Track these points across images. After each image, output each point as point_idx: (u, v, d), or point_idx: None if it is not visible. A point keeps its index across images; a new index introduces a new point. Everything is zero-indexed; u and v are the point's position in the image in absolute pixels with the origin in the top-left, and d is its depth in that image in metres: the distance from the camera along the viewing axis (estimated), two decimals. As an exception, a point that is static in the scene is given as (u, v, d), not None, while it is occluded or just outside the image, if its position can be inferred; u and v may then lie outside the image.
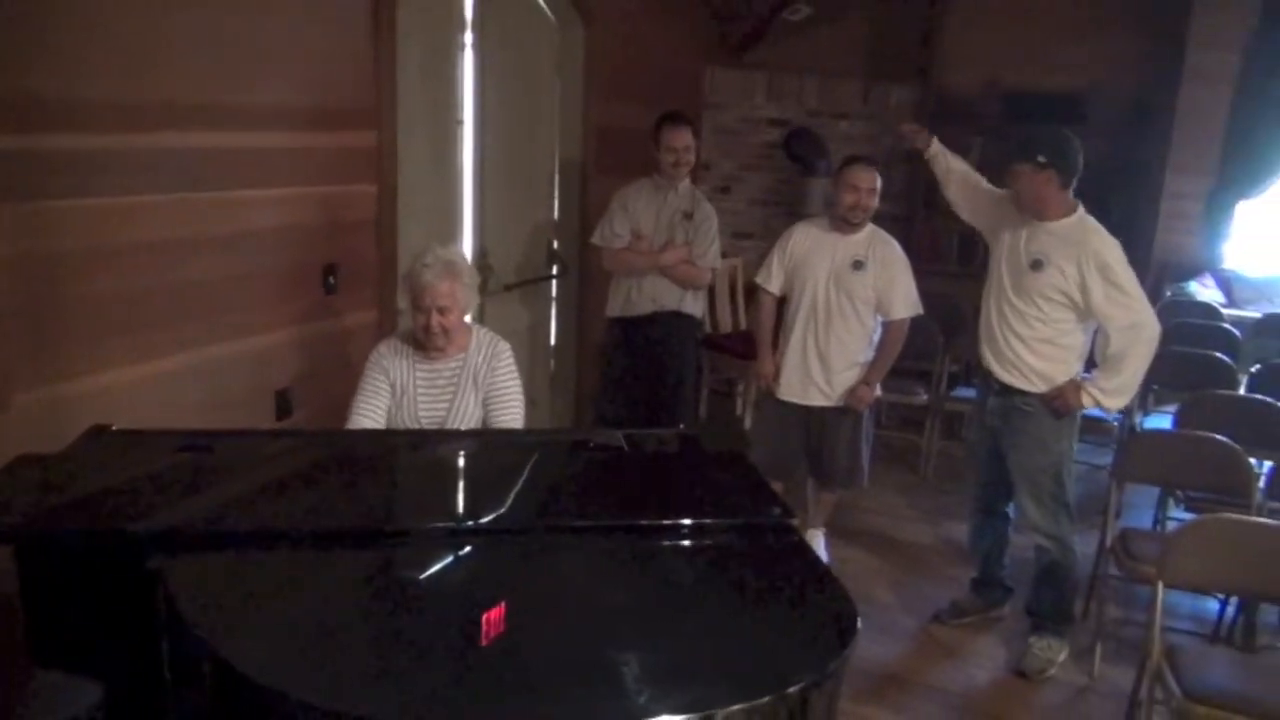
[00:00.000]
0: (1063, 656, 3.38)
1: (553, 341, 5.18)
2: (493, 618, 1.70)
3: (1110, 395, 3.15)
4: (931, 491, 4.94)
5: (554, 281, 5.10)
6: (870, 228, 3.71)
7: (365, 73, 3.50)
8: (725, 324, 5.81)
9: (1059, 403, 3.19)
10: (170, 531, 1.87)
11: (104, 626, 1.85)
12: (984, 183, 3.56)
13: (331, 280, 3.49)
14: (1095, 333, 3.24)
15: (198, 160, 2.93)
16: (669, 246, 4.16)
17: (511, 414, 2.86)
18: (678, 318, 4.28)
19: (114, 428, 2.40)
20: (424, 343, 2.80)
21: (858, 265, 3.64)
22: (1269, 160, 6.02)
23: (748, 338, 5.69)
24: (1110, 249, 3.10)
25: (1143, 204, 6.07)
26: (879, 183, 3.66)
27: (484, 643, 1.63)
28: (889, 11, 6.30)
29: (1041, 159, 3.11)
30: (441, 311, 2.72)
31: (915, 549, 4.29)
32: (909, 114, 6.36)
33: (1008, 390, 3.29)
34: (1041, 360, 3.22)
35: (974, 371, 5.35)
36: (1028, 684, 3.28)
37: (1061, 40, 6.07)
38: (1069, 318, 3.18)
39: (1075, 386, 3.18)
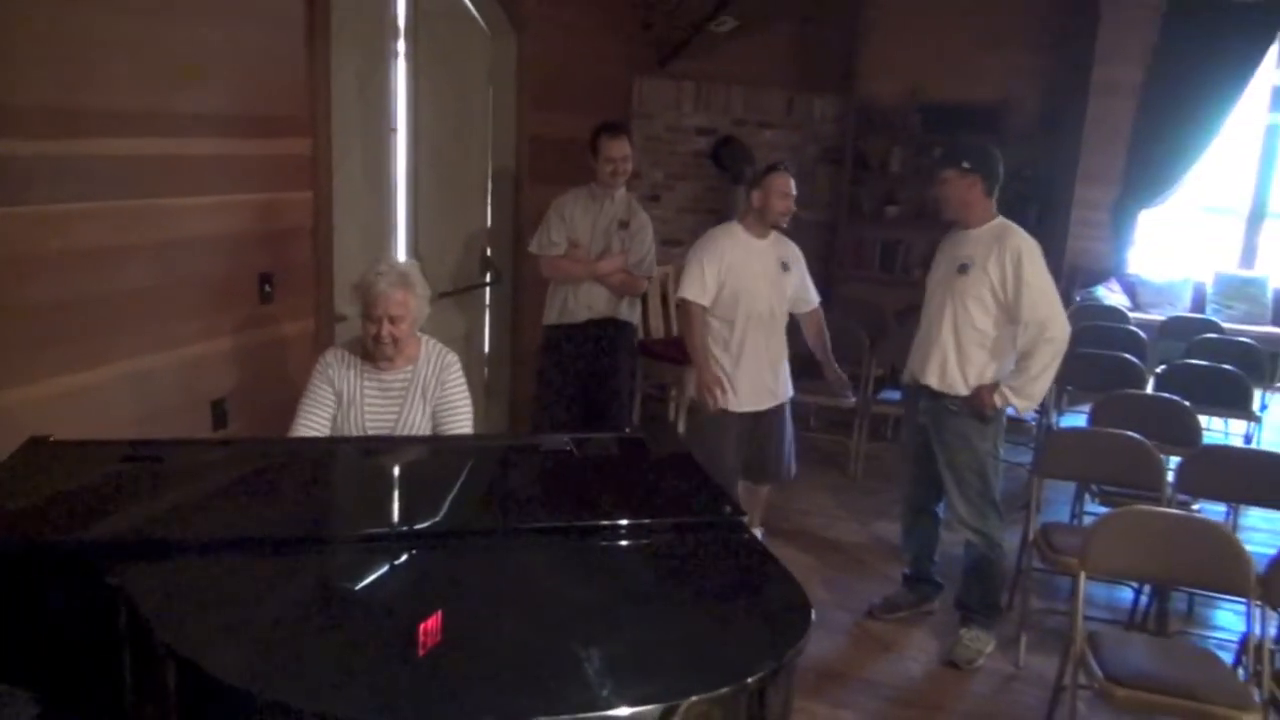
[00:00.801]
0: (990, 648, 3.52)
1: (486, 349, 5.20)
2: (453, 618, 1.74)
3: (1019, 395, 3.29)
4: (861, 492, 5.08)
5: (487, 289, 5.11)
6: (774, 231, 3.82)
7: (300, 80, 3.48)
8: (657, 330, 5.88)
9: (976, 403, 3.35)
10: (127, 541, 1.86)
11: (59, 637, 1.83)
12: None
13: (267, 288, 3.46)
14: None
15: (131, 167, 2.89)
16: (606, 255, 4.22)
17: (462, 424, 2.89)
18: (614, 325, 4.34)
19: (52, 439, 2.35)
20: (373, 352, 2.80)
21: (785, 267, 3.79)
22: (1169, 170, 6.36)
23: (679, 343, 5.76)
24: (1028, 248, 3.27)
25: (1053, 212, 6.34)
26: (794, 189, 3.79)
27: (447, 642, 1.66)
28: (813, 24, 6.47)
29: (966, 165, 3.31)
30: (393, 321, 2.73)
31: (847, 547, 4.41)
32: (832, 123, 6.56)
33: (934, 393, 3.43)
34: (967, 363, 3.36)
35: (899, 375, 5.55)
36: (959, 674, 3.41)
37: (979, 54, 6.31)
38: (993, 318, 3.33)
39: (991, 388, 3.32)
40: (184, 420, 3.17)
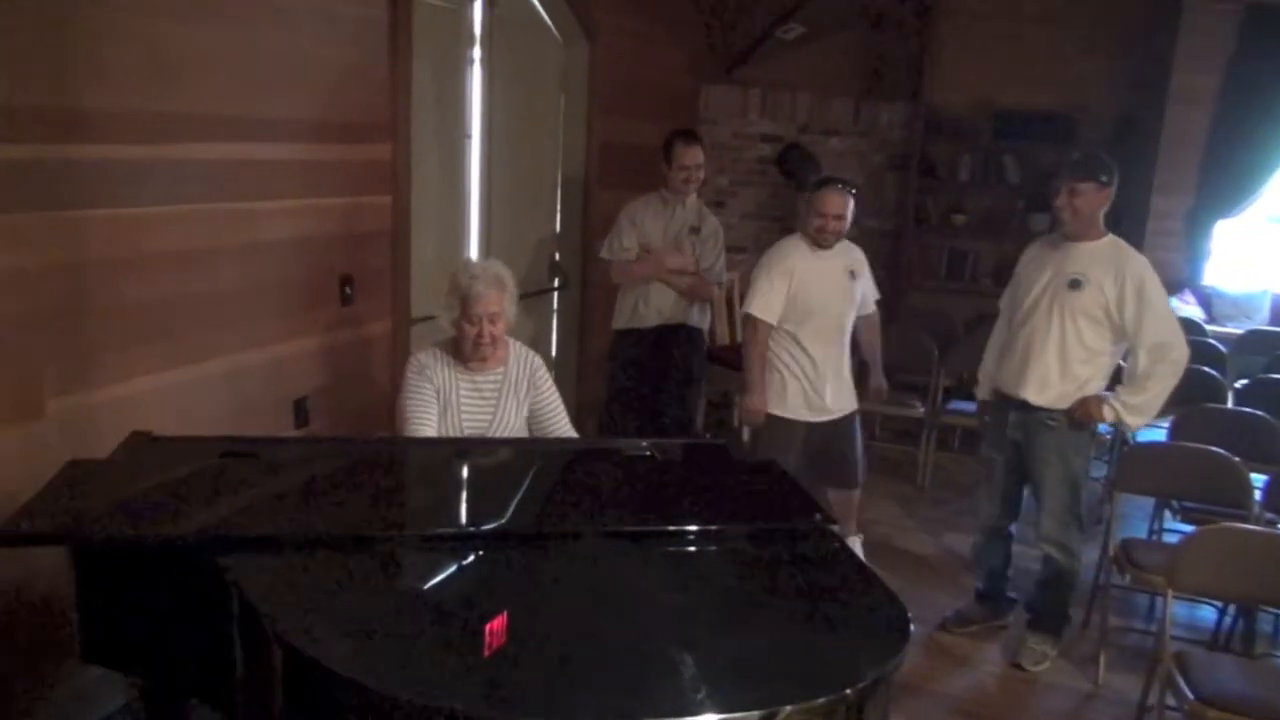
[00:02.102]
0: (1055, 653, 3.48)
1: (554, 354, 5.22)
2: (548, 618, 1.75)
3: (1132, 411, 3.22)
4: (929, 502, 5.01)
5: (555, 294, 5.14)
6: (844, 241, 3.77)
7: (382, 87, 3.54)
8: (723, 336, 5.87)
9: (1081, 413, 3.26)
10: (235, 534, 1.91)
11: (171, 624, 1.88)
12: (1003, 325, 3.60)
13: (348, 290, 3.52)
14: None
15: (221, 172, 2.96)
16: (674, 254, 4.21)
17: (565, 425, 2.96)
18: (683, 330, 4.33)
19: (153, 434, 2.41)
20: (471, 353, 2.82)
21: (852, 275, 3.76)
22: (1247, 180, 6.19)
23: (745, 350, 5.75)
24: (1147, 269, 3.19)
25: (1127, 222, 6.19)
26: (850, 207, 3.67)
27: (544, 641, 1.68)
28: (881, 31, 6.41)
29: (1104, 178, 3.21)
30: (492, 320, 2.77)
31: (916, 558, 4.36)
32: (899, 131, 6.50)
33: (1031, 407, 3.34)
34: (1070, 378, 3.28)
35: (968, 385, 5.47)
36: (1033, 689, 3.35)
37: (1051, 61, 6.20)
38: (1105, 335, 3.25)
39: (1098, 399, 3.25)
40: (267, 418, 3.23)
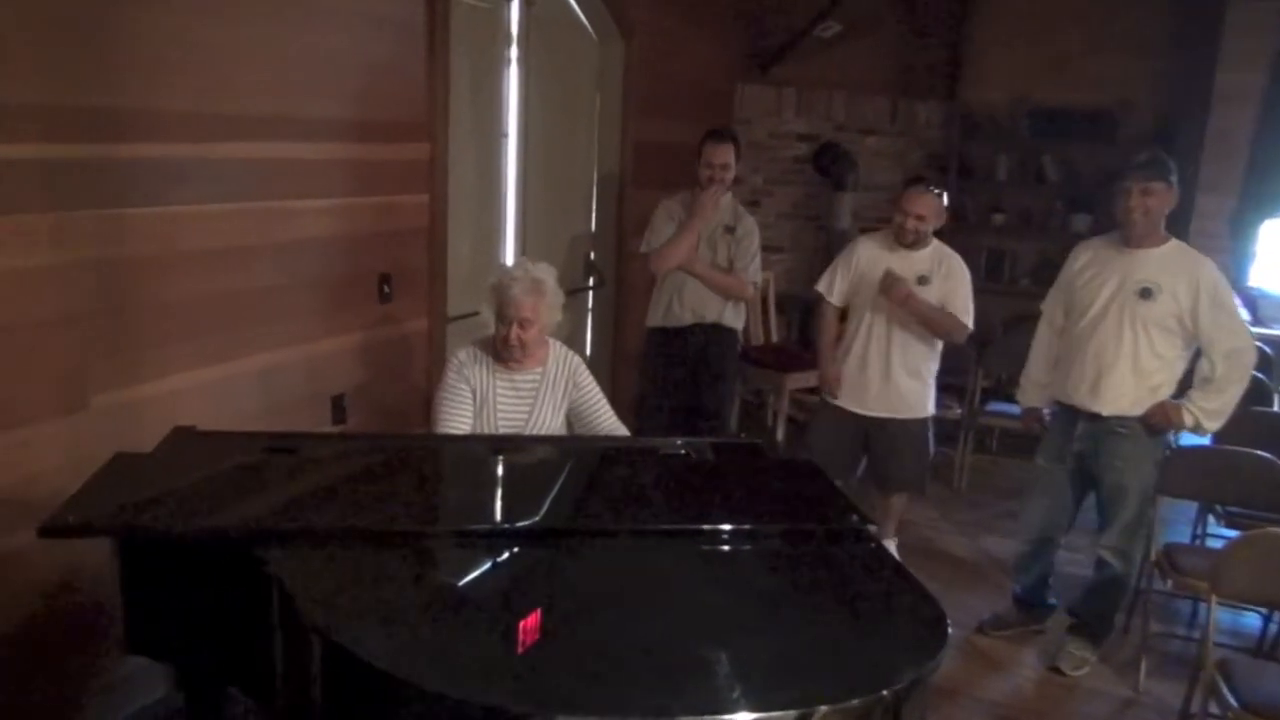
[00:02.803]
0: (1094, 658, 3.44)
1: (588, 352, 5.23)
2: (585, 615, 1.76)
3: (1210, 416, 3.17)
4: (966, 505, 4.96)
5: (590, 293, 5.15)
6: (935, 243, 3.75)
7: (420, 86, 3.56)
8: (758, 336, 5.85)
9: (1159, 419, 3.21)
10: (276, 528, 1.94)
11: (212, 618, 1.90)
12: (1055, 338, 3.53)
13: (386, 288, 3.54)
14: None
15: (261, 171, 2.99)
16: (712, 262, 4.19)
17: (610, 421, 2.97)
18: (718, 330, 4.31)
19: (196, 429, 2.45)
20: (502, 354, 2.84)
21: (922, 280, 3.67)
22: (1294, 180, 6.06)
23: (780, 350, 5.74)
24: (1217, 274, 3.14)
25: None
26: (935, 208, 3.66)
27: (582, 638, 1.68)
28: (918, 28, 6.35)
29: (1172, 179, 3.15)
30: (522, 325, 2.78)
31: (953, 560, 4.32)
32: (937, 130, 6.44)
33: (1101, 417, 3.28)
34: (1142, 387, 3.22)
35: (1006, 387, 5.40)
36: (1072, 694, 3.31)
37: (1091, 58, 6.12)
38: (1177, 343, 3.19)
39: (1176, 406, 3.19)
40: (306, 414, 3.27)
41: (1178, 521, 4.33)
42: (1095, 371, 3.27)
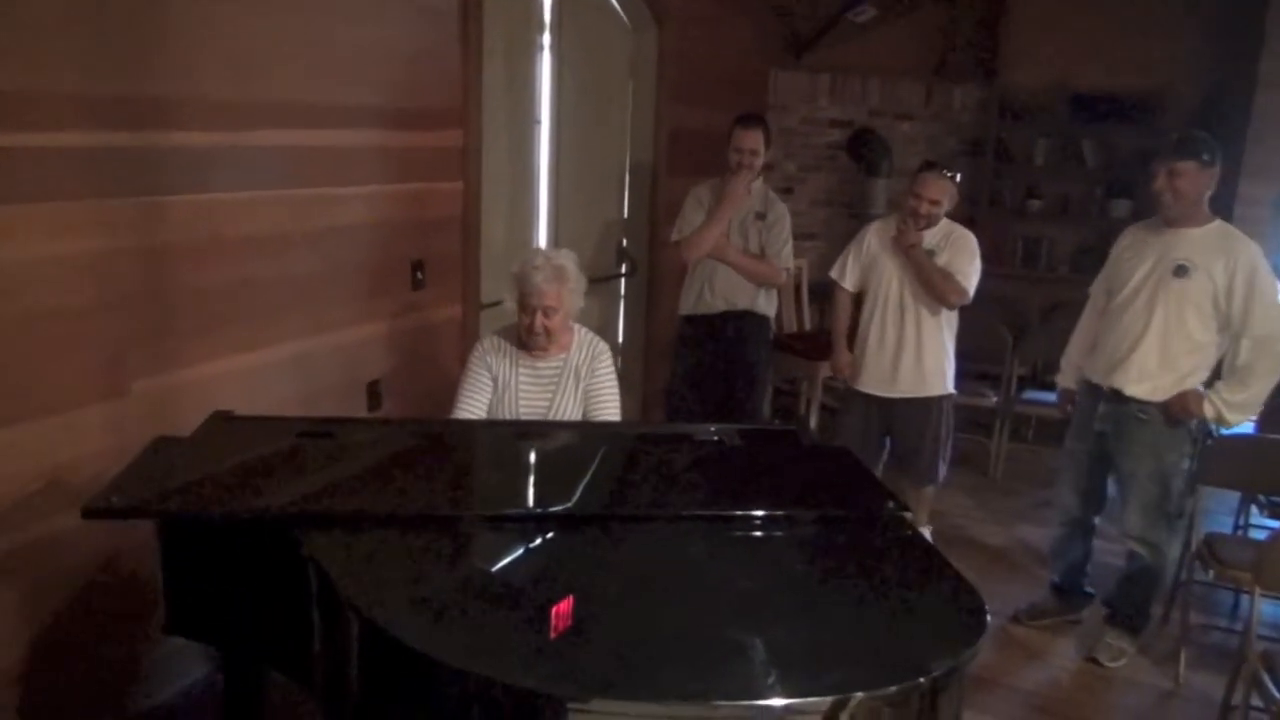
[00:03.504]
0: (1133, 649, 3.40)
1: (620, 339, 5.23)
2: (619, 599, 1.76)
3: (1234, 409, 3.10)
4: (1001, 493, 4.92)
5: (622, 280, 5.14)
6: (945, 222, 3.74)
7: (454, 74, 3.57)
8: (790, 323, 5.82)
9: (1179, 409, 3.14)
10: (314, 511, 1.96)
11: (251, 600, 1.93)
12: (1097, 320, 3.48)
13: (419, 275, 3.56)
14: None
15: (297, 158, 3.01)
16: (744, 248, 4.17)
17: (609, 412, 2.94)
18: (750, 317, 4.29)
19: (234, 414, 2.48)
20: (526, 341, 2.85)
21: (930, 255, 3.68)
22: (1342, 164, 5.92)
23: (812, 338, 5.71)
24: (1259, 256, 3.05)
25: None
26: (948, 192, 3.66)
27: (616, 621, 1.69)
28: (954, 12, 6.27)
29: (1206, 157, 3.07)
30: (546, 313, 2.77)
31: (988, 549, 4.28)
32: (973, 115, 6.36)
33: (1123, 398, 3.24)
34: (1170, 370, 3.16)
35: (1043, 374, 5.34)
36: (1109, 685, 3.27)
37: (1131, 40, 6.00)
38: (1211, 326, 3.12)
39: (1198, 395, 3.12)
40: (342, 400, 3.30)
41: (1219, 511, 4.26)
42: (1123, 348, 3.23)
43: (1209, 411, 3.11)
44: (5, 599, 2.39)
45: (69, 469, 2.45)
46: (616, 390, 2.98)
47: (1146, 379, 3.19)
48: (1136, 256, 3.26)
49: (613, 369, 3.00)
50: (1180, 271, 3.11)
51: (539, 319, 2.78)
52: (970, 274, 3.70)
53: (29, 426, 2.37)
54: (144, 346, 2.63)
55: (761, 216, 4.23)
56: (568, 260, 2.84)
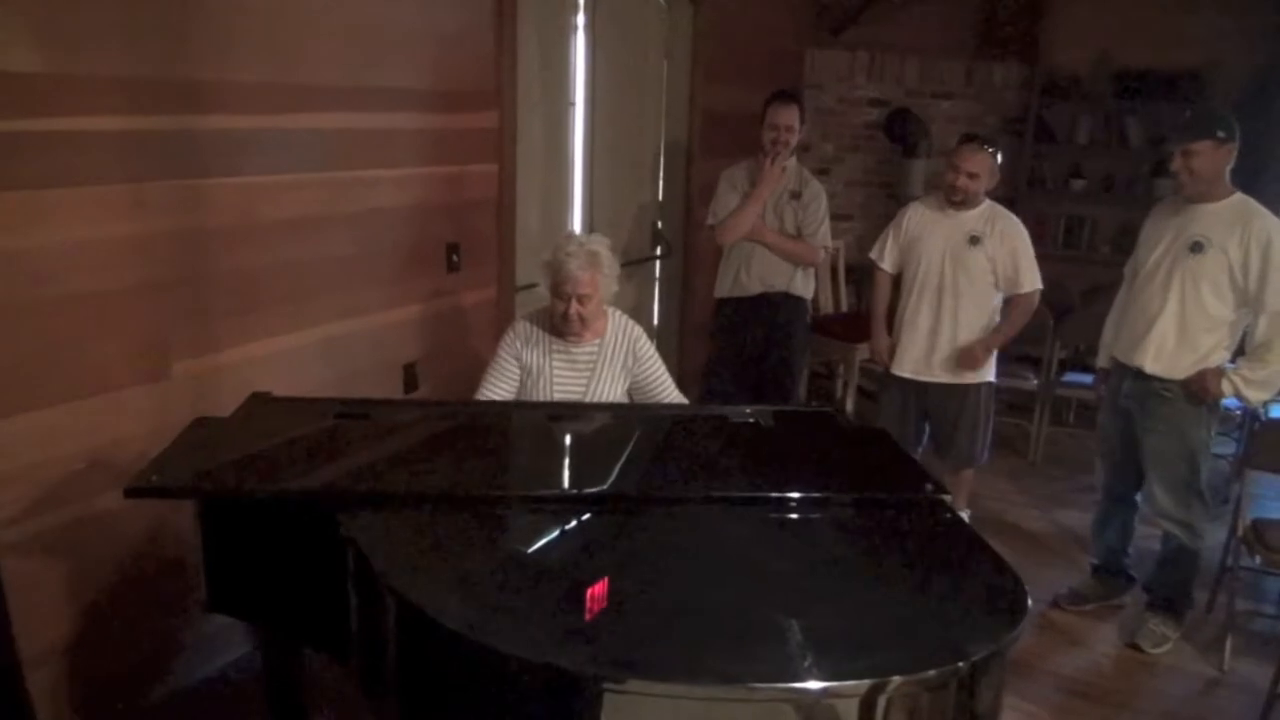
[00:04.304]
0: (1176, 636, 3.34)
1: (655, 322, 5.21)
2: (656, 581, 1.75)
3: (1253, 386, 3.04)
4: (1041, 477, 4.85)
5: (657, 262, 5.12)
6: (987, 203, 3.67)
7: (488, 56, 3.55)
8: (827, 305, 5.76)
9: (1198, 388, 3.10)
10: (351, 491, 1.97)
11: (289, 579, 1.94)
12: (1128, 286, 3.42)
13: (455, 258, 3.56)
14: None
15: (334, 141, 3.02)
16: (780, 229, 4.12)
17: (672, 392, 2.96)
18: (787, 299, 4.25)
19: (272, 395, 2.50)
20: (560, 329, 2.84)
21: (974, 241, 3.61)
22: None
23: (849, 320, 5.66)
24: (1276, 229, 2.98)
25: (1261, 188, 5.82)
26: (988, 167, 3.60)
27: (653, 604, 1.68)
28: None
29: (1222, 134, 3.02)
30: (581, 300, 2.76)
31: (1028, 534, 4.22)
32: (1014, 92, 6.24)
33: (1145, 375, 3.20)
34: (1190, 348, 3.12)
35: (1085, 357, 5.25)
36: (1151, 672, 3.22)
37: (1178, 15, 5.84)
38: (1229, 302, 3.07)
39: (1217, 373, 3.08)
40: (378, 382, 3.31)
41: (1267, 496, 4.17)
42: (1142, 325, 3.21)
43: (1228, 390, 3.07)
44: (52, 576, 2.44)
45: (112, 449, 2.49)
46: (667, 372, 2.99)
47: (1165, 356, 3.15)
48: (1157, 234, 3.24)
49: (656, 353, 3.00)
50: (1196, 247, 3.07)
51: (574, 306, 2.77)
52: (1034, 267, 3.65)
53: (73, 407, 2.40)
54: (184, 329, 2.66)
55: (796, 196, 4.18)
56: (601, 246, 2.82)
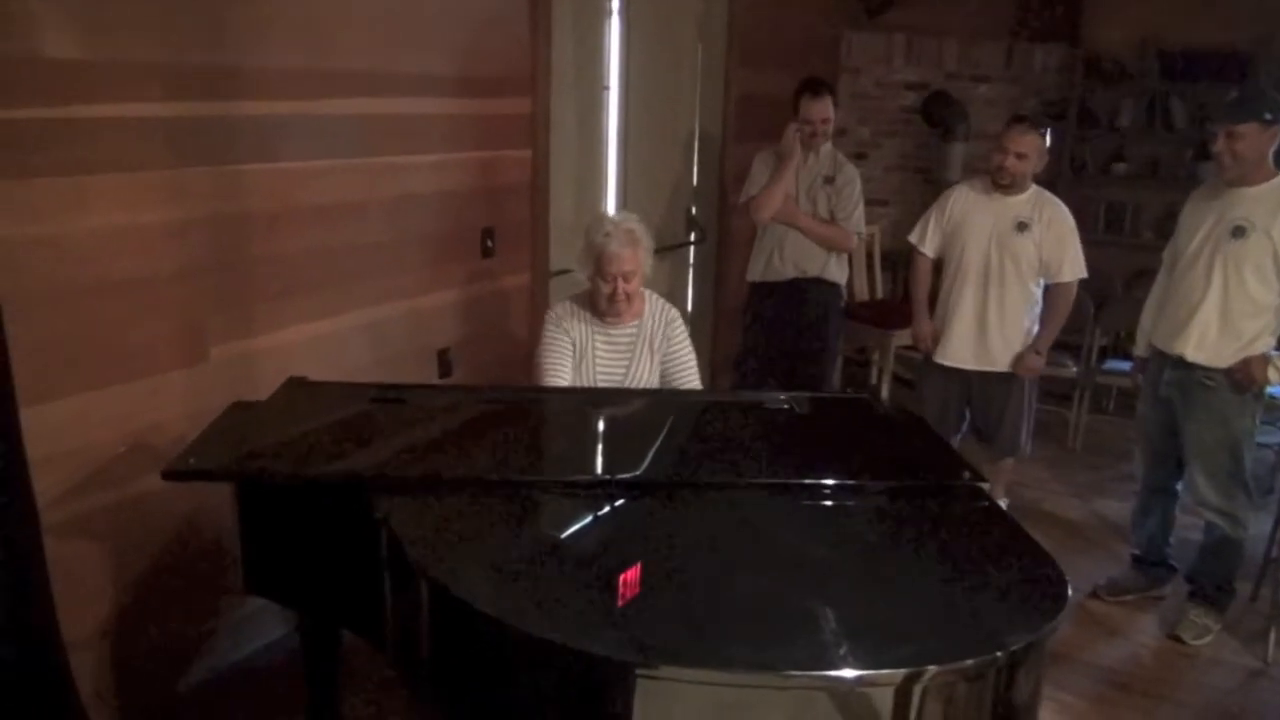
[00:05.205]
0: (1218, 628, 3.29)
1: (689, 308, 5.19)
2: (690, 567, 1.74)
3: None
4: (1081, 466, 4.78)
5: (691, 248, 5.09)
6: (1034, 189, 3.60)
7: (522, 41, 3.54)
8: (862, 291, 5.71)
9: (1242, 376, 3.04)
10: (386, 475, 1.98)
11: (325, 562, 1.96)
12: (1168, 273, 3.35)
13: (489, 243, 3.56)
14: None
15: (368, 127, 3.02)
16: (814, 215, 4.08)
17: (691, 379, 2.94)
18: (821, 284, 4.21)
19: (309, 380, 2.51)
20: (606, 310, 2.84)
21: (1022, 227, 3.53)
22: None
23: (884, 306, 5.60)
24: None
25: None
26: (1037, 148, 3.53)
27: (687, 590, 1.67)
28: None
29: (1269, 116, 2.94)
30: (626, 279, 2.76)
31: (1066, 523, 4.16)
32: (1055, 75, 6.13)
33: (1187, 363, 3.14)
34: (1233, 335, 3.05)
35: (1126, 345, 5.16)
36: (1191, 663, 3.16)
37: (1227, -7, 5.71)
38: (1274, 287, 3.00)
39: (1262, 360, 3.01)
40: (412, 368, 3.33)
41: (1313, 486, 4.08)
42: (1183, 313, 3.14)
43: (1274, 377, 3.01)
44: (92, 558, 2.48)
45: (151, 432, 2.52)
46: (694, 356, 2.97)
47: (1208, 344, 3.09)
48: (1197, 219, 3.16)
49: (688, 336, 2.99)
50: (1238, 232, 3.00)
51: (619, 285, 2.76)
52: (1080, 256, 3.60)
53: (113, 391, 2.44)
54: (221, 313, 2.68)
55: (830, 180, 4.14)
56: (636, 223, 2.82)
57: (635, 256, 2.76)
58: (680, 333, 2.95)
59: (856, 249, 5.08)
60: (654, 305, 2.94)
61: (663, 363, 2.93)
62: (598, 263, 2.76)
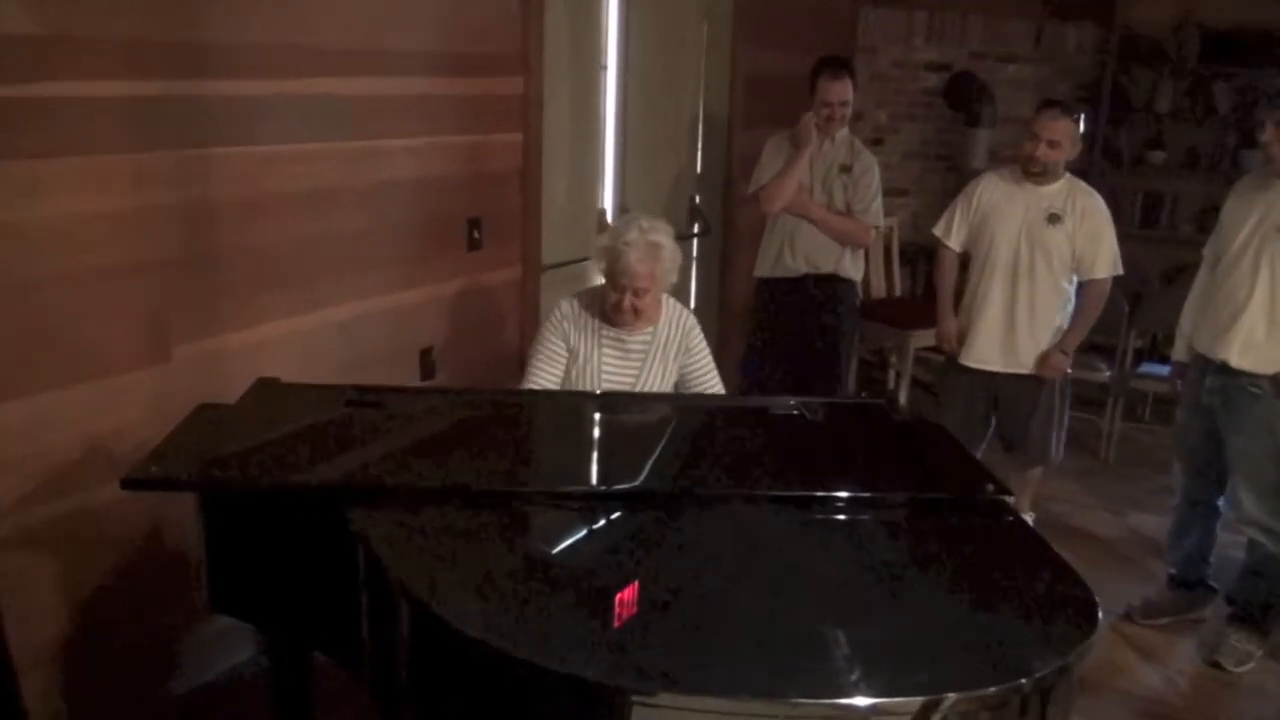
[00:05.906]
0: (1261, 654, 3.29)
1: (692, 304, 5.19)
2: (690, 585, 1.75)
3: None
4: (1114, 478, 4.79)
5: (694, 241, 5.10)
6: (1067, 177, 3.62)
7: (513, 15, 3.54)
8: (879, 289, 5.72)
9: None
10: (360, 485, 1.98)
11: (296, 578, 1.96)
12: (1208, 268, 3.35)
13: (476, 234, 3.57)
14: None
15: (347, 107, 3.03)
16: (829, 205, 4.09)
17: (714, 384, 2.97)
18: (835, 281, 4.22)
19: (280, 381, 2.52)
20: (613, 320, 2.84)
21: (1054, 219, 3.55)
22: None
23: (903, 304, 5.61)
24: None
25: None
26: (1070, 134, 3.55)
27: (686, 610, 1.67)
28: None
29: None
30: (637, 294, 2.75)
31: (1098, 539, 4.18)
32: (1088, 55, 6.14)
33: (1231, 370, 3.14)
34: None
35: (1163, 347, 5.17)
36: (1231, 691, 3.17)
37: (1275, -32, 5.71)
38: None
39: None
40: (393, 368, 3.33)
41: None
42: (1227, 315, 3.14)
43: None
44: (44, 571, 2.48)
45: (109, 437, 2.52)
46: (714, 365, 2.99)
47: (1254, 349, 3.09)
48: (1242, 213, 3.16)
49: (706, 344, 3.01)
50: None
51: (628, 299, 2.76)
52: (1115, 250, 3.61)
53: (68, 392, 2.44)
54: (186, 309, 2.68)
55: (847, 169, 4.15)
56: (664, 236, 2.79)
57: (652, 273, 2.74)
58: (699, 342, 2.97)
59: (874, 243, 5.07)
60: (670, 311, 2.94)
61: (681, 371, 2.95)
62: (612, 269, 2.76)
